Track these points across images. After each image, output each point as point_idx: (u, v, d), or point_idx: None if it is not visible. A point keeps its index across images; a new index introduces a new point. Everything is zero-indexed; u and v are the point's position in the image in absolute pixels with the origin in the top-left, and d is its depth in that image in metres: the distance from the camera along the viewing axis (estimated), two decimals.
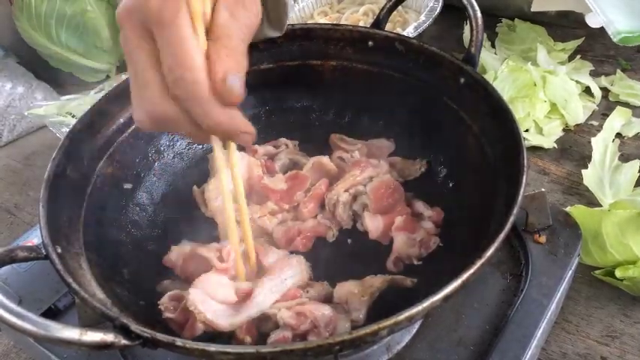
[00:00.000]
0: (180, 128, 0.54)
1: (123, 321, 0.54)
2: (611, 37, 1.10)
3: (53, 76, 1.51)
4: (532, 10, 1.27)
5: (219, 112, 0.52)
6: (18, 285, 0.85)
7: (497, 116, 0.73)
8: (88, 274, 0.65)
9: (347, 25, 0.90)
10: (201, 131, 0.54)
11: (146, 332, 0.53)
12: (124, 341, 0.53)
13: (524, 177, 0.63)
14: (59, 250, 0.63)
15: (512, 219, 0.59)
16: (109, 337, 0.52)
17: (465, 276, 0.55)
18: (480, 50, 0.78)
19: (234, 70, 0.52)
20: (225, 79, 0.51)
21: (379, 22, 0.89)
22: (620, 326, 0.85)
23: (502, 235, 0.58)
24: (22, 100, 1.37)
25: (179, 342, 0.52)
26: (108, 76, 1.52)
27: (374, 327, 0.52)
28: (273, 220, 0.80)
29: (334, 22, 1.28)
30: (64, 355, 0.76)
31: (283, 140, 0.92)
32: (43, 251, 0.62)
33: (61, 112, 1.28)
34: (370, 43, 0.88)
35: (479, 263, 0.56)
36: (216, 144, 0.60)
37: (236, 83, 0.52)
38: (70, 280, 0.59)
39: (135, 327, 0.54)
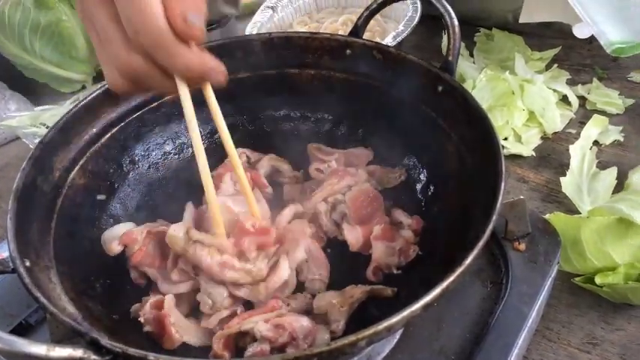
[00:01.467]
0: (152, 81, 0.54)
1: (93, 336, 0.53)
2: (604, 47, 1.10)
3: (28, 87, 1.48)
4: (520, 21, 1.28)
5: (186, 53, 0.52)
6: None
7: (475, 124, 0.73)
8: (58, 287, 0.63)
9: (325, 33, 0.90)
10: (172, 80, 0.55)
11: (117, 347, 0.51)
12: (93, 357, 0.51)
13: (503, 184, 0.63)
14: (27, 264, 0.61)
15: (490, 226, 0.59)
16: (77, 352, 0.50)
17: (444, 284, 0.54)
18: (458, 58, 0.78)
19: (193, 10, 0.51)
20: (185, 17, 0.50)
21: (357, 30, 0.89)
22: (601, 333, 0.85)
23: (481, 243, 0.57)
24: None
25: (151, 357, 0.51)
26: (84, 87, 1.50)
27: (352, 338, 0.51)
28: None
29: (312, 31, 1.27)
30: None
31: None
32: (11, 265, 0.60)
33: (35, 122, 1.25)
34: (348, 51, 0.87)
35: (458, 271, 0.55)
36: (184, 91, 0.59)
37: (196, 20, 0.51)
38: (38, 294, 0.57)
39: (105, 342, 0.52)
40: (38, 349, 0.49)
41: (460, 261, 0.57)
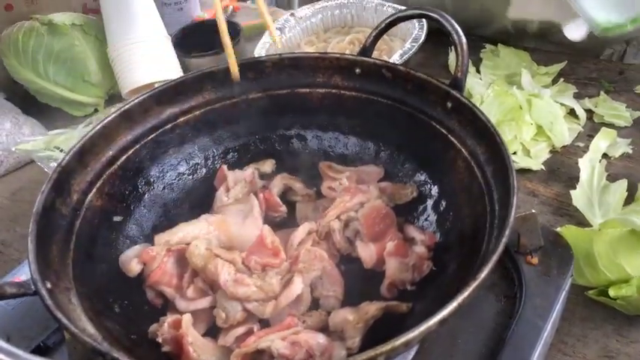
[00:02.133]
0: None
1: (114, 355, 0.53)
2: (593, 32, 1.11)
3: (41, 111, 1.49)
4: (509, 16, 1.29)
5: None
6: (5, 323, 0.83)
7: (485, 139, 0.74)
8: (78, 308, 0.64)
9: (334, 53, 0.91)
10: None
11: None
12: None
13: (515, 198, 0.64)
14: (49, 286, 0.62)
15: (504, 240, 0.60)
16: None
17: (460, 298, 0.55)
18: (466, 74, 0.79)
19: None
20: None
21: (366, 49, 0.90)
22: (617, 346, 0.85)
23: (495, 257, 0.58)
24: (10, 135, 1.36)
25: None
26: (96, 110, 1.52)
27: (371, 353, 0.52)
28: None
29: (321, 51, 1.29)
30: None
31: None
32: (32, 287, 0.61)
33: (49, 146, 1.27)
34: (357, 70, 0.89)
35: (473, 285, 0.56)
36: None
37: None
38: (59, 315, 0.58)
39: None
40: None
41: (475, 275, 0.57)
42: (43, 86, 1.44)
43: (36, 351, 0.80)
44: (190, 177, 0.93)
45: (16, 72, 1.43)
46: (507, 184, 0.66)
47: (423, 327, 0.53)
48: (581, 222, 1.00)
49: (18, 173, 1.37)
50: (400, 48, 1.21)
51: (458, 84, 0.79)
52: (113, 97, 1.53)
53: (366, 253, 0.78)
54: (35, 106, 1.50)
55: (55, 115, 1.52)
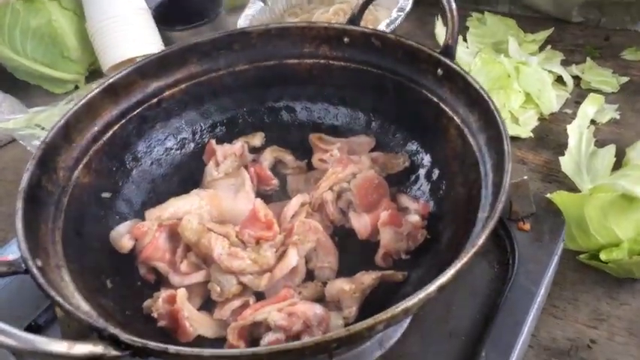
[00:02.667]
0: None
1: (111, 331, 0.52)
2: None
3: (20, 89, 1.47)
4: None
5: None
6: None
7: (478, 106, 0.73)
8: (70, 286, 0.63)
9: (322, 22, 0.90)
10: None
11: (137, 342, 0.52)
12: (114, 352, 0.51)
13: (509, 164, 0.63)
14: (39, 264, 0.61)
15: (501, 206, 0.59)
16: (98, 348, 0.50)
17: (458, 265, 0.55)
18: (457, 41, 0.78)
19: None
20: None
21: (354, 18, 0.88)
22: (607, 308, 0.86)
23: (493, 222, 0.58)
24: None
25: (172, 349, 0.51)
26: (77, 87, 1.49)
27: (370, 322, 0.51)
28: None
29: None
30: None
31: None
32: (23, 265, 0.60)
33: (30, 124, 1.24)
34: (346, 39, 0.87)
35: (472, 251, 0.56)
36: None
37: None
38: (52, 293, 0.57)
39: (125, 337, 0.52)
40: (59, 346, 0.49)
41: (473, 241, 0.57)
42: (21, 63, 1.42)
43: (27, 330, 0.79)
44: (178, 152, 0.91)
45: None
46: (501, 150, 0.65)
47: (422, 294, 0.52)
48: (571, 188, 1.01)
49: None
50: (386, 18, 1.20)
51: (449, 51, 0.78)
52: (94, 73, 1.51)
53: (360, 224, 0.78)
54: (13, 84, 1.48)
55: (34, 92, 1.50)
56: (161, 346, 0.51)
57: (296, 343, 0.50)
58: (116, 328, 0.55)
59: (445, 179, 0.80)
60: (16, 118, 1.28)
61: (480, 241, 0.56)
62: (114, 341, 0.52)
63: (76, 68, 1.45)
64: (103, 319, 0.59)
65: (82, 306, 0.60)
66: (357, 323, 0.52)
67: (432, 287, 0.53)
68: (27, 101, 1.43)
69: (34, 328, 0.80)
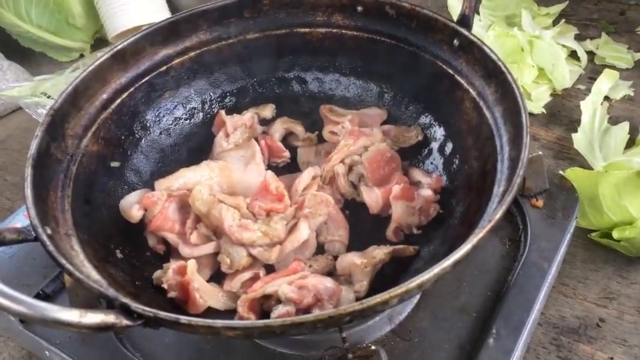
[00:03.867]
0: None
1: (123, 301, 0.52)
2: None
3: (25, 57, 1.45)
4: None
5: None
6: (3, 271, 0.81)
7: (495, 77, 0.71)
8: (80, 255, 0.62)
9: None
10: None
11: (148, 311, 0.51)
12: (125, 322, 0.51)
13: (528, 137, 0.62)
14: (49, 232, 0.60)
15: (519, 180, 0.58)
16: (110, 317, 0.50)
17: (474, 240, 0.54)
18: (474, 12, 0.76)
19: None
20: None
21: None
22: (617, 287, 0.86)
23: (510, 197, 0.57)
24: None
25: (183, 320, 0.50)
26: (82, 55, 1.47)
27: (385, 296, 0.51)
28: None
29: None
30: (57, 341, 0.74)
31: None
32: (33, 233, 0.59)
33: (36, 92, 1.23)
34: (359, 8, 0.85)
35: (488, 226, 0.55)
36: None
37: None
38: (63, 261, 0.56)
39: (136, 306, 0.51)
40: (70, 315, 0.48)
41: (488, 217, 0.56)
42: (25, 30, 1.39)
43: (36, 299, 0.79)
44: (187, 122, 0.90)
45: None
46: (519, 123, 0.64)
47: (437, 269, 0.52)
48: (582, 165, 1.00)
49: (4, 121, 1.33)
50: None
51: (466, 21, 0.76)
52: (99, 41, 1.48)
53: (372, 198, 0.77)
54: (18, 51, 1.45)
55: (39, 60, 1.48)
56: (172, 316, 0.51)
57: (309, 316, 0.50)
58: (126, 298, 0.54)
59: (459, 153, 0.79)
60: (22, 86, 1.26)
61: (497, 216, 0.55)
62: (125, 310, 0.52)
63: (81, 36, 1.43)
64: (114, 289, 0.58)
65: (92, 275, 0.60)
66: (370, 297, 0.51)
67: (447, 262, 0.52)
68: (32, 69, 1.41)
69: (42, 297, 0.80)
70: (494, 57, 0.71)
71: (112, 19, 1.36)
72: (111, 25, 1.37)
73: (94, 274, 0.60)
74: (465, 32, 0.75)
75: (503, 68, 0.69)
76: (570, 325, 0.82)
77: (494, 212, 0.55)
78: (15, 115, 1.34)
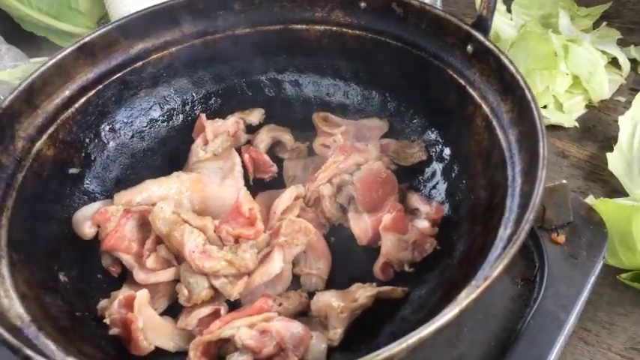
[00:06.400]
0: None
1: (27, 353, 0.44)
2: None
3: (27, 41, 1.42)
4: None
5: None
6: None
7: (512, 94, 0.64)
8: (7, 281, 0.57)
9: None
10: None
11: None
12: None
13: (544, 171, 0.55)
14: None
15: (528, 226, 0.50)
16: None
17: (463, 303, 0.45)
18: (493, 13, 0.69)
19: None
20: None
21: None
22: None
23: (515, 248, 0.48)
24: None
25: None
26: None
27: None
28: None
29: None
30: None
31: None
32: None
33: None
34: (363, 4, 0.80)
35: (483, 286, 0.46)
36: None
37: None
38: None
39: None
40: None
41: (489, 265, 0.47)
42: (26, 13, 1.36)
43: None
44: (165, 124, 0.85)
45: None
46: (536, 152, 0.57)
47: (412, 339, 0.44)
48: (617, 190, 0.92)
49: None
50: None
51: (482, 24, 0.70)
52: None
53: (360, 227, 0.70)
54: (20, 35, 1.42)
55: (41, 45, 1.45)
56: None
57: None
58: (48, 339, 0.47)
59: (465, 179, 0.72)
60: (15, 68, 1.21)
61: (495, 273, 0.47)
62: None
63: (84, 21, 1.38)
64: (37, 326, 0.51)
65: (14, 307, 0.53)
66: None
67: (427, 330, 0.45)
68: (34, 54, 1.37)
69: None
70: (512, 69, 0.64)
71: (116, 3, 1.31)
72: (115, 11, 1.32)
73: (17, 307, 0.53)
74: (481, 37, 0.68)
75: (522, 83, 0.62)
76: None
77: (493, 267, 0.46)
78: None
